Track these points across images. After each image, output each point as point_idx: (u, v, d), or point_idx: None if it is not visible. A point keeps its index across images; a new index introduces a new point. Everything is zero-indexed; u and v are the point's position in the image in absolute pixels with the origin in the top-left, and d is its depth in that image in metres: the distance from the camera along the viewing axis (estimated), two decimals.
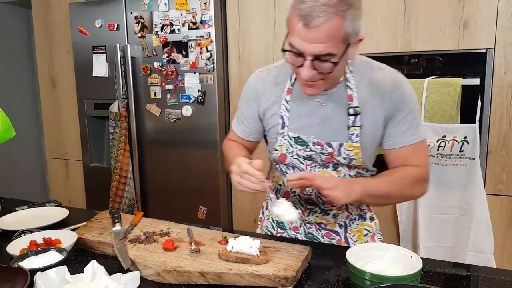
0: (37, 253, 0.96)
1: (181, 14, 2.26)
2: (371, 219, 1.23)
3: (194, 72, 2.28)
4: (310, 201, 1.16)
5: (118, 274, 0.85)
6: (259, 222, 1.34)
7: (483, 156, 1.89)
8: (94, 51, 2.54)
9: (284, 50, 0.95)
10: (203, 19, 2.22)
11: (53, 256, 0.94)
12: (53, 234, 1.09)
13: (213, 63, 2.23)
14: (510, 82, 1.81)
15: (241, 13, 2.28)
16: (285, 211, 0.96)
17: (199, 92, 2.29)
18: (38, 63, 2.95)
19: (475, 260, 1.87)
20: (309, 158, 1.11)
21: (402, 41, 1.97)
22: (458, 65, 1.89)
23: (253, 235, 1.14)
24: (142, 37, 2.38)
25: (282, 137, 1.12)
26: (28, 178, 3.70)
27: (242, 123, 1.22)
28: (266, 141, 1.24)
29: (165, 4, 2.29)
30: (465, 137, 1.85)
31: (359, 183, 1.00)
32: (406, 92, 1.04)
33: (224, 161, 1.21)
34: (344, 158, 1.08)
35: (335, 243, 1.18)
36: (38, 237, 1.07)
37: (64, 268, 0.81)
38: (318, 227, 1.18)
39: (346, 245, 1.18)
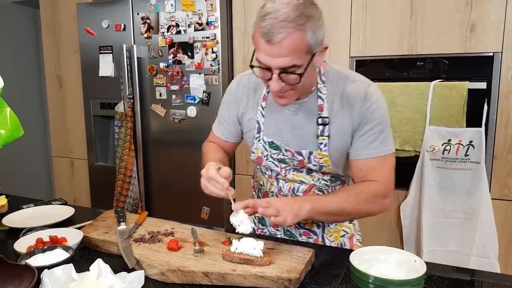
0: (43, 251, 0.97)
1: (187, 15, 2.27)
2: (350, 220, 1.25)
3: (199, 73, 2.29)
4: None
5: (123, 273, 0.85)
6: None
7: (489, 160, 1.88)
8: (101, 51, 2.56)
9: (252, 66, 0.99)
10: (209, 20, 2.23)
11: (59, 254, 0.95)
12: (59, 232, 1.10)
13: (218, 64, 2.24)
14: None
15: (247, 15, 2.29)
16: (241, 222, 0.98)
17: (204, 93, 2.30)
18: (45, 63, 2.98)
19: (479, 265, 1.86)
20: (283, 161, 1.16)
21: (408, 44, 1.97)
22: (465, 68, 1.89)
23: (256, 236, 1.15)
24: (148, 37, 2.39)
25: (258, 141, 1.17)
26: (34, 176, 3.73)
27: (222, 124, 1.26)
28: None
29: (172, 5, 2.30)
30: (471, 141, 1.84)
31: (308, 201, 1.01)
32: (375, 104, 1.06)
33: (201, 163, 1.24)
34: (314, 165, 1.12)
35: (312, 242, 1.21)
36: (45, 235, 1.08)
37: (70, 266, 0.82)
38: (297, 225, 1.21)
39: (322, 244, 1.21)
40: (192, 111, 2.34)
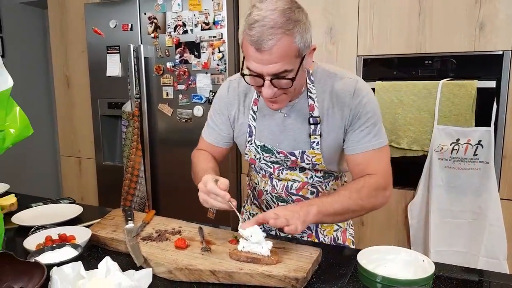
0: (52, 248, 0.98)
1: (194, 15, 2.28)
2: None
3: (206, 73, 2.30)
4: (281, 199, 1.22)
5: (131, 271, 0.86)
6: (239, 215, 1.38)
7: (498, 160, 1.86)
8: (108, 51, 2.58)
9: (243, 75, 0.99)
10: (216, 19, 2.23)
11: (68, 252, 0.96)
12: (68, 230, 1.11)
13: (225, 63, 2.25)
14: None
15: None
16: (258, 240, 0.93)
17: (211, 93, 2.30)
18: (53, 63, 3.01)
19: (487, 265, 1.84)
20: (276, 162, 1.17)
21: (416, 42, 1.95)
22: (474, 67, 1.87)
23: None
24: (155, 37, 2.41)
25: (250, 144, 1.18)
26: (42, 175, 3.77)
27: (214, 130, 1.25)
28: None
29: (179, 4, 2.31)
30: (480, 141, 1.83)
31: (314, 205, 1.00)
32: (365, 99, 1.06)
33: (192, 171, 1.24)
34: (307, 164, 1.13)
35: (306, 238, 1.22)
36: (54, 233, 1.09)
37: (79, 263, 0.83)
38: None
39: (316, 240, 1.23)
40: (198, 111, 2.34)
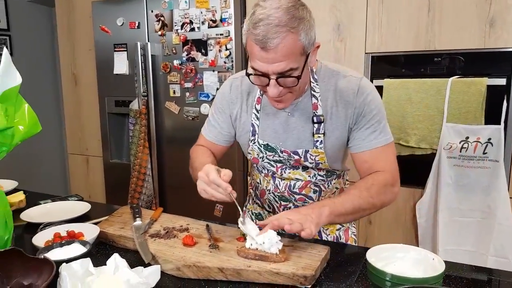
0: (61, 245, 0.98)
1: (201, 12, 2.28)
2: None
3: (213, 70, 2.29)
4: (284, 198, 1.21)
5: (140, 268, 0.86)
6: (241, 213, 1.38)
7: (508, 158, 1.84)
8: (115, 49, 2.59)
9: (248, 75, 0.98)
10: (223, 17, 2.23)
11: (77, 249, 0.96)
12: (76, 227, 1.11)
13: (232, 61, 2.24)
14: None
15: None
16: (271, 244, 0.92)
17: (218, 90, 2.30)
18: (61, 61, 3.02)
19: (496, 264, 1.83)
20: (279, 161, 1.16)
21: (425, 39, 1.93)
22: (484, 64, 1.84)
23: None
24: (162, 35, 2.41)
25: (253, 143, 1.17)
26: (50, 173, 3.81)
27: (215, 128, 1.25)
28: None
29: (186, 2, 2.31)
30: (489, 139, 1.80)
31: (325, 206, 0.98)
32: (369, 97, 1.06)
33: (190, 167, 1.23)
34: (310, 163, 1.13)
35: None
36: (62, 229, 1.10)
37: (88, 260, 0.83)
38: None
39: (319, 238, 1.22)
40: (205, 109, 2.34)
